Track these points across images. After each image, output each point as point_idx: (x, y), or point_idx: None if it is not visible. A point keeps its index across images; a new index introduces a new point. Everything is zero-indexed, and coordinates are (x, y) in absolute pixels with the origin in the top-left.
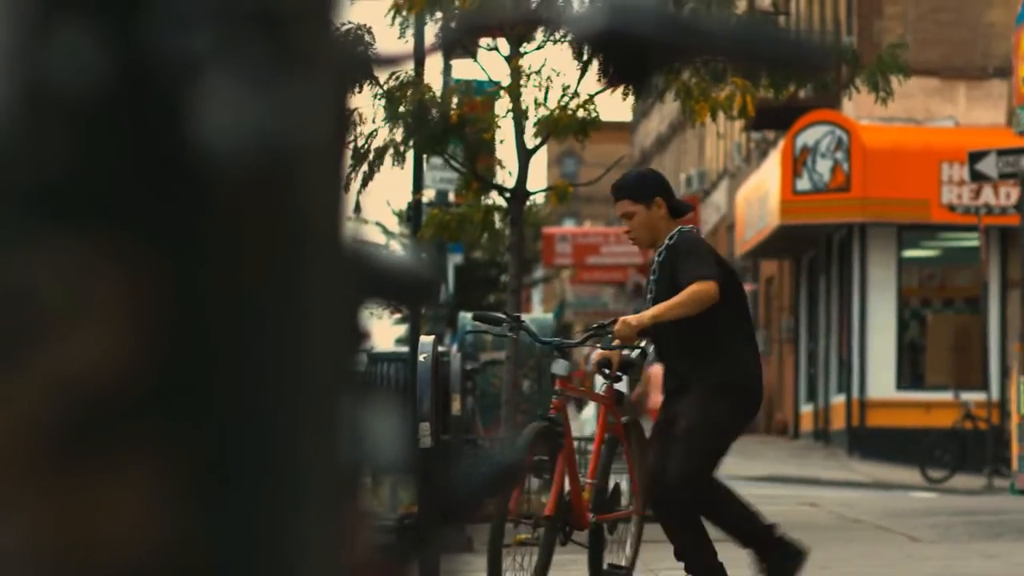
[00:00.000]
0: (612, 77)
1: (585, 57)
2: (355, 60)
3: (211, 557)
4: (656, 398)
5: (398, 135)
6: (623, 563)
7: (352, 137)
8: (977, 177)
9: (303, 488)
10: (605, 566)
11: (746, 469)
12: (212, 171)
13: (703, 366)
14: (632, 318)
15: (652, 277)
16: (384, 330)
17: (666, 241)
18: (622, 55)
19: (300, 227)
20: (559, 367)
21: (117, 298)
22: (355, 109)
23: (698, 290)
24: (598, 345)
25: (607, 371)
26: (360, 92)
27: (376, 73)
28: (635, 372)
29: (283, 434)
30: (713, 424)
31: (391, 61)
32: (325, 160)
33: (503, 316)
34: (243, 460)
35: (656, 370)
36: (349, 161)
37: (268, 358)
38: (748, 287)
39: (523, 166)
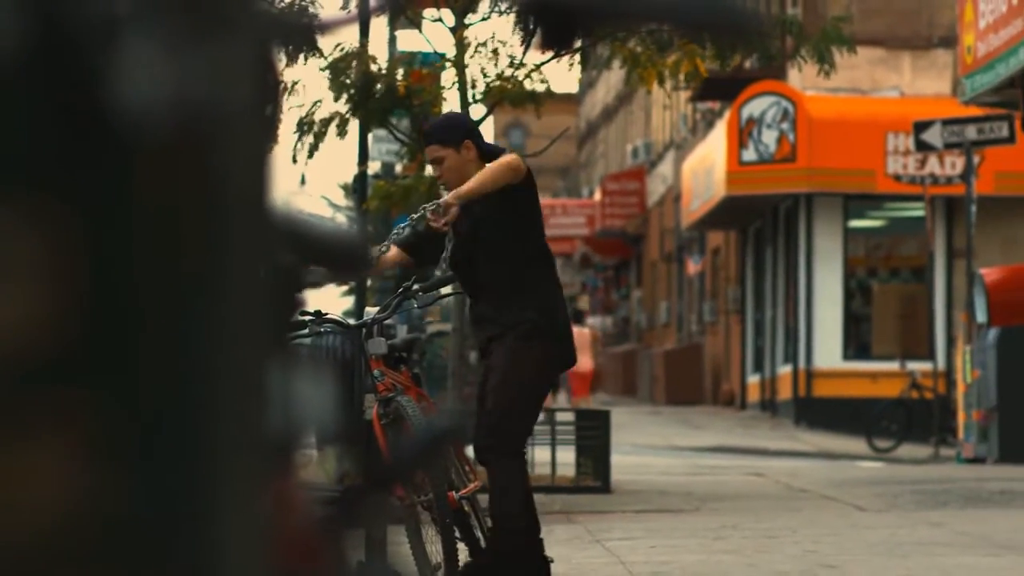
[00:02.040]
0: (543, 42)
1: (528, 27)
2: (282, 24)
3: (131, 523)
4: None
5: (343, 107)
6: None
7: (280, 101)
8: (922, 147)
9: (226, 455)
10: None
11: (693, 439)
12: (131, 134)
13: (512, 311)
14: (459, 191)
15: (464, 218)
16: (332, 301)
17: None
18: (552, 19)
19: (222, 190)
20: (374, 346)
21: (36, 261)
22: (294, 77)
23: (508, 160)
24: (415, 307)
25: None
26: (303, 61)
27: (319, 40)
28: (419, 348)
29: (204, 400)
30: (522, 379)
31: (333, 26)
32: (247, 123)
33: (307, 317)
34: (163, 425)
35: (580, 331)
36: (293, 132)
37: (190, 322)
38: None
39: None
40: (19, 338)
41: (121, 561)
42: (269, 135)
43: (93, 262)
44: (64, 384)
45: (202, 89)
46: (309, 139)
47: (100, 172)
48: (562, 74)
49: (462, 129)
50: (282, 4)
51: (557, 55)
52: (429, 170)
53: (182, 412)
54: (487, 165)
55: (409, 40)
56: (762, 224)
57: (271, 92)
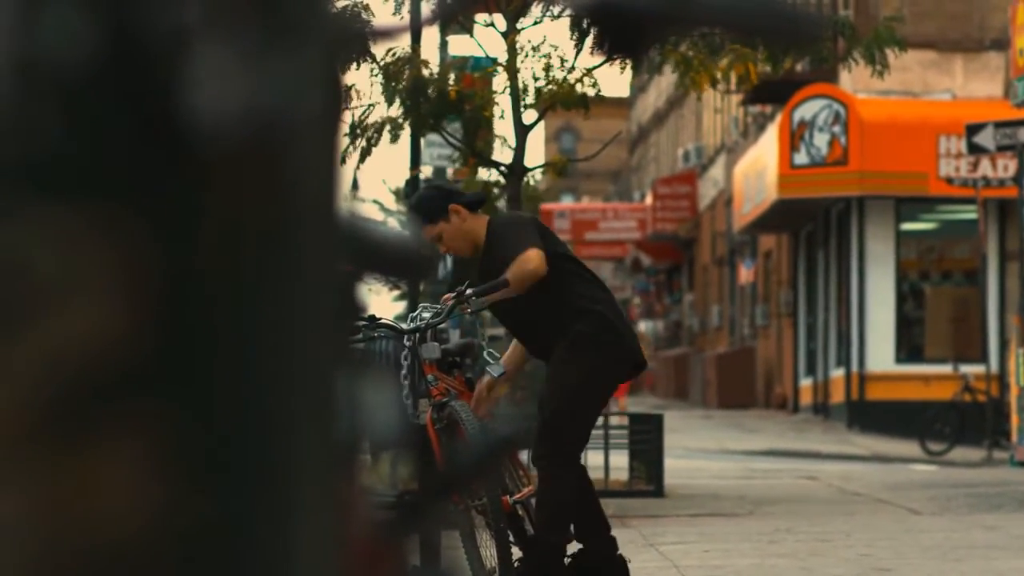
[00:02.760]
0: (607, 50)
1: (581, 31)
2: (349, 32)
3: (206, 533)
4: None
5: (395, 112)
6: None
7: (347, 110)
8: (975, 149)
9: (298, 464)
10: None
11: (745, 443)
12: (204, 144)
13: (560, 331)
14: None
15: (480, 276)
16: (384, 306)
17: (487, 238)
18: (617, 27)
19: (293, 200)
20: (427, 350)
21: (109, 273)
22: (349, 82)
23: (522, 262)
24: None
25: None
26: (356, 67)
27: (372, 47)
28: (472, 353)
29: (277, 410)
30: (573, 387)
31: (386, 34)
32: (318, 132)
33: (361, 322)
34: (237, 436)
35: None
36: (346, 137)
37: (262, 333)
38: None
39: (520, 142)
40: (93, 350)
41: (193, 573)
42: (337, 142)
43: (165, 273)
44: (137, 396)
45: (274, 98)
46: (361, 143)
47: (172, 182)
48: (613, 78)
49: (439, 201)
50: (339, 11)
51: (612, 60)
52: (481, 174)
53: (255, 423)
54: (511, 268)
55: (461, 45)
56: (814, 227)
57: (338, 99)
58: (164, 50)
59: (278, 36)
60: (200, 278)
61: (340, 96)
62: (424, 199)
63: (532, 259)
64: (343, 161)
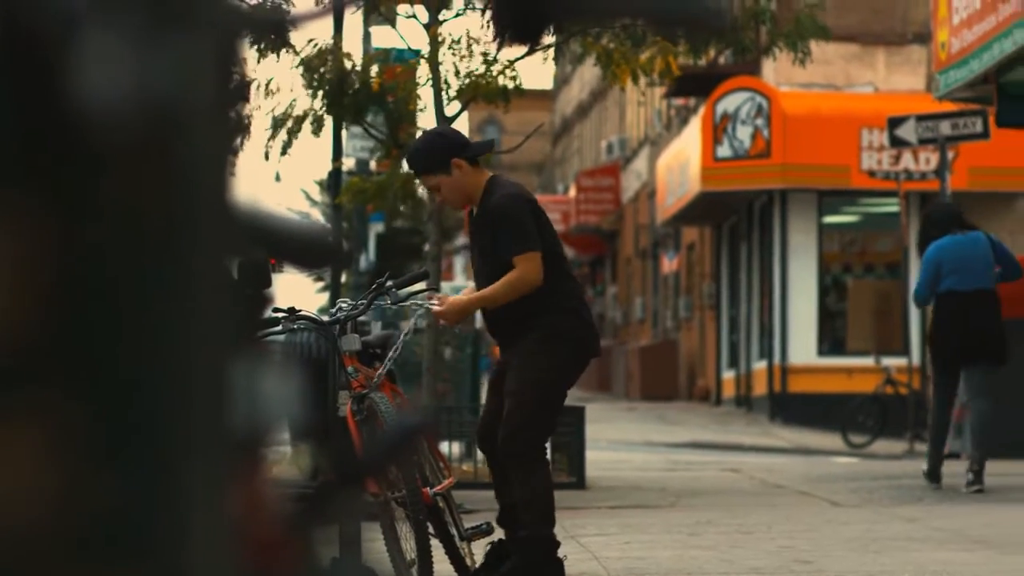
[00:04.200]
0: (512, 37)
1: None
2: (247, 18)
3: (101, 520)
4: None
5: (317, 104)
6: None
7: (247, 96)
8: (897, 143)
9: (193, 451)
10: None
11: (668, 435)
12: (94, 130)
13: (532, 316)
14: (459, 301)
15: (472, 233)
16: (307, 298)
17: (483, 196)
18: (522, 14)
19: (185, 186)
20: (347, 342)
21: (2, 259)
22: (249, 68)
23: (522, 277)
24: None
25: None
26: (272, 55)
27: (286, 34)
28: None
29: (172, 398)
30: (542, 380)
31: (300, 19)
32: (210, 118)
33: (279, 314)
34: (131, 424)
35: None
36: (267, 129)
37: (156, 319)
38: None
39: None
40: None
41: (90, 559)
42: (235, 131)
43: (58, 260)
44: (31, 383)
45: (164, 85)
46: (283, 136)
47: (62, 169)
48: (536, 70)
49: (445, 152)
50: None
51: (530, 51)
52: (404, 166)
53: (150, 410)
54: (503, 279)
55: (383, 37)
56: (737, 220)
57: (238, 88)
58: (53, 36)
59: (169, 22)
60: (92, 265)
61: (238, 84)
62: (425, 149)
63: (529, 273)
64: (266, 156)
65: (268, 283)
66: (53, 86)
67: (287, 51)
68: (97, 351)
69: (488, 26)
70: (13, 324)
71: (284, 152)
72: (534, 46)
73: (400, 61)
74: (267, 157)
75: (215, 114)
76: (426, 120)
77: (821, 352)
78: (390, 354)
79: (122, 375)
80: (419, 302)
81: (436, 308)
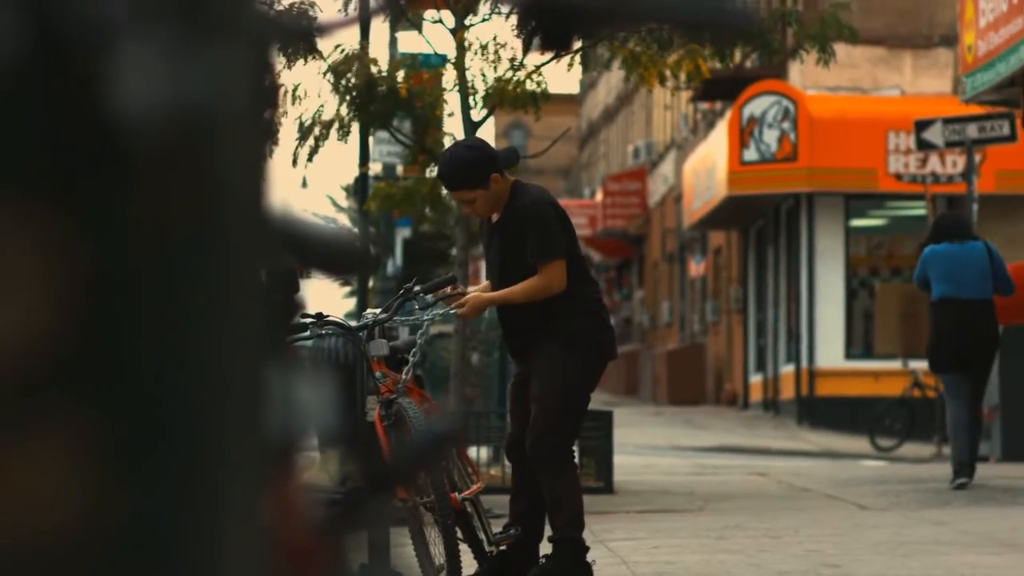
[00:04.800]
0: (542, 43)
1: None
2: (280, 27)
3: (130, 529)
4: None
5: (344, 110)
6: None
7: (278, 104)
8: (923, 146)
9: (225, 461)
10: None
11: (696, 439)
12: (129, 138)
13: (553, 320)
14: (482, 298)
15: (495, 237)
16: (333, 304)
17: (508, 204)
18: (551, 21)
19: (219, 195)
20: (375, 347)
21: (34, 267)
22: (288, 75)
23: (546, 284)
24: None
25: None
26: (300, 62)
27: (316, 42)
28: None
29: (203, 406)
30: (567, 385)
31: (329, 28)
32: (245, 126)
33: (308, 319)
34: (161, 433)
35: None
36: (295, 135)
37: (188, 327)
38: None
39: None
40: (15, 346)
41: (121, 569)
42: (267, 139)
43: (90, 268)
44: (62, 392)
45: (198, 93)
46: (310, 142)
47: (97, 177)
48: (563, 75)
49: (486, 167)
50: (281, 7)
51: (557, 56)
52: (431, 171)
53: (181, 418)
54: (527, 281)
55: (410, 42)
56: (764, 224)
57: (269, 96)
58: (89, 46)
59: (203, 32)
60: (124, 273)
61: (272, 91)
62: (466, 165)
63: (554, 281)
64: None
65: (297, 289)
66: (88, 94)
67: (314, 57)
68: (129, 359)
69: (516, 31)
70: (44, 332)
71: (311, 158)
72: (564, 52)
73: (427, 66)
74: (295, 163)
75: (249, 122)
76: (453, 125)
77: (848, 356)
78: (410, 358)
79: (151, 385)
80: (443, 307)
81: (460, 312)
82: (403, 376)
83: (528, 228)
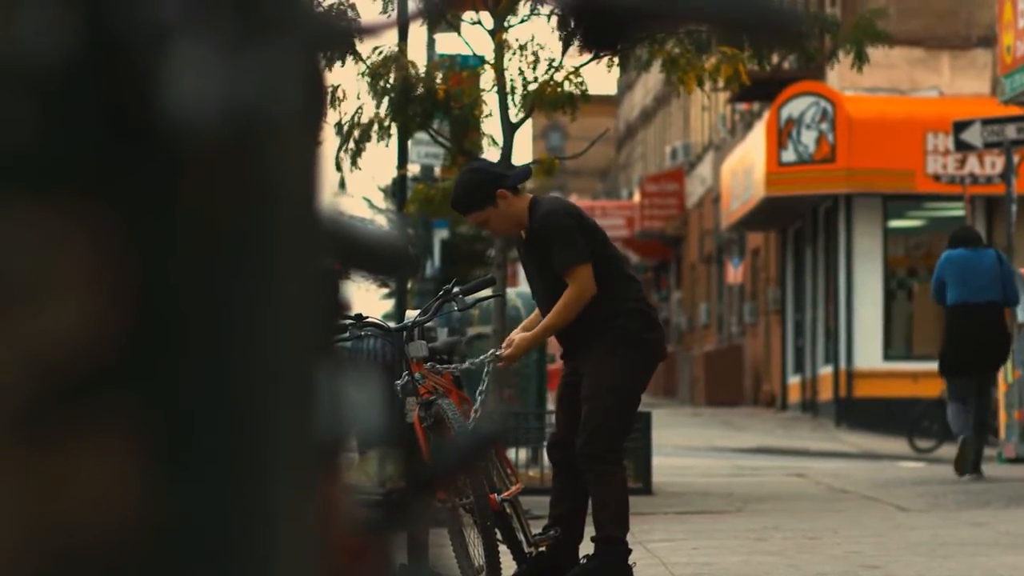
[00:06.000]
0: (586, 44)
1: (568, 29)
2: (330, 29)
3: (183, 529)
4: None
5: (383, 111)
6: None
7: (328, 106)
8: (962, 147)
9: (277, 461)
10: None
11: (734, 441)
12: (182, 139)
13: (597, 321)
14: (525, 339)
15: (524, 257)
16: (372, 305)
17: (529, 221)
18: (597, 22)
19: (271, 197)
20: (415, 348)
21: (86, 269)
22: (334, 81)
23: (577, 293)
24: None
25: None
26: (338, 63)
27: (357, 44)
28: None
29: (255, 407)
30: (615, 384)
31: (372, 31)
32: (297, 128)
33: (348, 321)
34: (214, 432)
35: None
36: (335, 138)
37: (240, 329)
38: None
39: (508, 140)
40: (68, 348)
41: (168, 568)
42: (317, 140)
43: (142, 268)
44: (113, 394)
45: (252, 94)
46: (351, 145)
47: (149, 178)
48: (601, 76)
49: (489, 185)
50: (323, 9)
51: (597, 57)
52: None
53: (230, 418)
54: (560, 301)
55: (448, 43)
56: (802, 225)
57: (319, 97)
58: (141, 46)
59: (256, 32)
60: (176, 274)
61: (321, 93)
62: (470, 186)
63: (584, 287)
64: (337, 166)
65: (338, 290)
66: (141, 95)
67: (353, 59)
68: (178, 362)
69: (557, 31)
70: (93, 335)
71: (354, 162)
72: (607, 53)
73: (465, 68)
74: (338, 167)
75: (302, 124)
76: (491, 126)
77: (887, 357)
78: (478, 396)
79: (203, 386)
80: (486, 358)
81: (505, 353)
82: (475, 406)
83: (548, 239)
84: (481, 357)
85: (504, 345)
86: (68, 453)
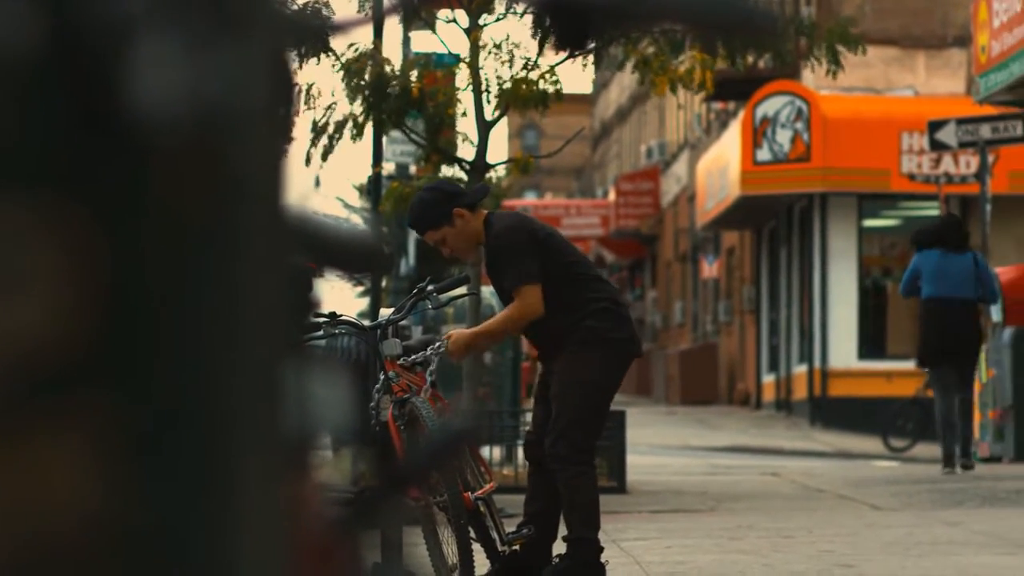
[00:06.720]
0: (557, 42)
1: (542, 28)
2: (299, 25)
3: (149, 525)
4: None
5: (357, 109)
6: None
7: (296, 102)
8: (937, 146)
9: (243, 458)
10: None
11: (708, 439)
12: (149, 134)
13: (567, 325)
14: (464, 336)
15: (486, 270)
16: (346, 303)
17: (485, 238)
18: (568, 20)
19: (237, 192)
20: (388, 347)
21: (53, 264)
22: (308, 79)
23: (520, 311)
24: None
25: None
26: (313, 60)
27: (330, 41)
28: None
29: (221, 404)
30: (585, 384)
31: (344, 28)
32: (264, 124)
33: (321, 319)
34: (179, 430)
35: None
36: (308, 134)
37: (205, 323)
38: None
39: (483, 138)
40: (36, 341)
41: (136, 565)
42: (284, 136)
43: (107, 264)
44: (79, 390)
45: (218, 89)
46: (323, 141)
47: (117, 173)
48: (576, 75)
49: (445, 204)
50: (296, 5)
51: (571, 56)
52: (444, 171)
53: (198, 414)
54: (504, 311)
55: (423, 41)
56: (777, 224)
57: (286, 93)
58: (108, 41)
59: (223, 27)
60: (142, 269)
61: (289, 89)
62: (426, 205)
63: (528, 306)
64: (307, 161)
65: (311, 287)
66: (106, 90)
67: (327, 56)
68: (144, 356)
69: (531, 30)
70: (60, 330)
71: (325, 158)
72: (579, 52)
73: (440, 66)
74: (308, 163)
75: (267, 118)
76: (466, 124)
77: (861, 356)
78: (428, 376)
79: (169, 382)
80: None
81: (446, 348)
82: (424, 388)
83: (500, 256)
84: (428, 349)
85: (444, 337)
86: (35, 449)
